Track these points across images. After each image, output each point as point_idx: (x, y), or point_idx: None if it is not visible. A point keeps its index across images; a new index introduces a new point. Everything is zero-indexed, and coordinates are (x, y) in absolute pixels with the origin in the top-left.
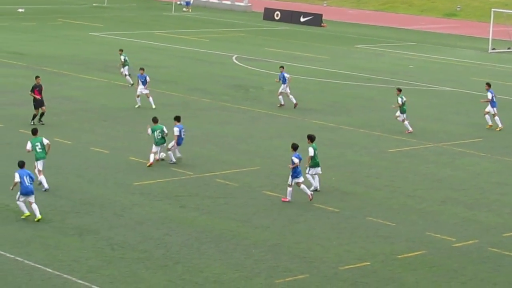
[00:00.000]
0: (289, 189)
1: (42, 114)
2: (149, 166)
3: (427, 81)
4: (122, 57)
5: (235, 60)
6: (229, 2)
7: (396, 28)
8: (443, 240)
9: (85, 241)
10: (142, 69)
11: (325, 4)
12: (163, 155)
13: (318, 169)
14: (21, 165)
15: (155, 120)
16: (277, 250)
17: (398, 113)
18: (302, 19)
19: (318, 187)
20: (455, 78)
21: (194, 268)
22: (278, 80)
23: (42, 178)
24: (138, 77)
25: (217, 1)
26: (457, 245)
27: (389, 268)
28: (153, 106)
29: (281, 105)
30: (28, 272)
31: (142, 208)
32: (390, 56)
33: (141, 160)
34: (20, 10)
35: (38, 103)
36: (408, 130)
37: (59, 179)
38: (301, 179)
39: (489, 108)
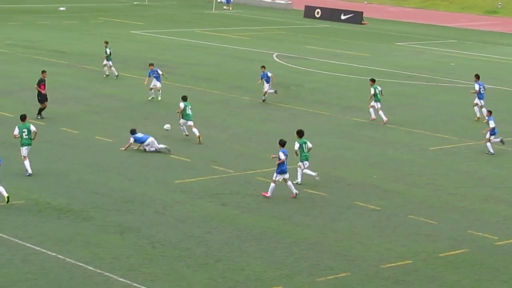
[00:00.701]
0: (272, 184)
1: (42, 109)
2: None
3: (468, 78)
4: (108, 50)
5: (275, 58)
6: (269, 0)
7: (436, 25)
8: (485, 239)
9: (126, 239)
10: (151, 64)
11: (365, 2)
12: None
13: (306, 163)
14: None
15: None
16: (318, 248)
17: (372, 102)
18: (342, 17)
19: (300, 181)
20: (496, 75)
21: (235, 266)
22: (260, 81)
23: (26, 163)
24: (149, 73)
25: None
26: (499, 243)
27: (431, 266)
28: (159, 98)
29: (263, 100)
30: (70, 270)
31: (183, 206)
32: (431, 54)
33: (182, 158)
34: (61, 8)
35: (43, 98)
36: (372, 117)
37: (101, 177)
38: (287, 175)
39: (477, 100)
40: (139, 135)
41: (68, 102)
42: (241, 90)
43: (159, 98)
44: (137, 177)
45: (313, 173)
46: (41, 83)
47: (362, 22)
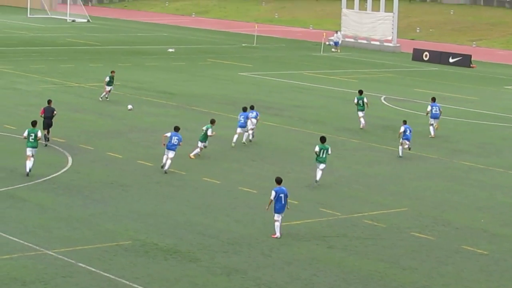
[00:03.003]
0: (276, 223)
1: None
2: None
3: None
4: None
5: (383, 101)
6: (378, 43)
7: None
8: None
9: (233, 280)
10: None
11: (474, 45)
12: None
13: (321, 165)
14: None
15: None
16: None
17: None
18: (451, 60)
19: (317, 180)
20: None
21: None
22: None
23: (29, 162)
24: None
25: (365, 42)
26: None
27: None
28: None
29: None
30: None
31: (290, 248)
32: None
33: (289, 200)
34: (170, 50)
35: (45, 124)
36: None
37: (208, 219)
38: (279, 216)
39: (431, 120)
40: (174, 140)
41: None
42: (349, 132)
43: None
44: (244, 218)
45: (317, 177)
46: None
47: (471, 65)
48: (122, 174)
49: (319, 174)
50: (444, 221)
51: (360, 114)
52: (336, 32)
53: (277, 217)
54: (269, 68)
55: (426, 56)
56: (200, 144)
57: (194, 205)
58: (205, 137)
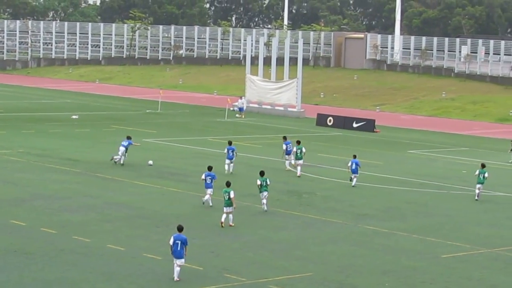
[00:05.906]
0: (175, 267)
1: None
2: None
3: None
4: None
5: (288, 166)
6: (282, 108)
7: (449, 133)
8: None
9: None
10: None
11: (378, 110)
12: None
13: (264, 194)
14: None
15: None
16: None
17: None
18: (355, 125)
19: (266, 210)
20: (508, 183)
21: None
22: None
23: None
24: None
25: (270, 107)
26: None
27: None
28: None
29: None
30: None
31: None
32: (443, 161)
33: (193, 267)
34: (74, 116)
35: None
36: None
37: (113, 286)
38: (179, 261)
39: (286, 156)
40: (207, 180)
41: (80, 210)
42: (254, 198)
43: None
44: (149, 285)
45: (264, 207)
46: None
47: (374, 130)
48: (25, 242)
49: (264, 202)
50: (349, 285)
51: (298, 161)
52: (241, 97)
53: (175, 261)
54: (173, 134)
55: (330, 121)
56: (226, 209)
57: (99, 273)
58: (229, 202)
